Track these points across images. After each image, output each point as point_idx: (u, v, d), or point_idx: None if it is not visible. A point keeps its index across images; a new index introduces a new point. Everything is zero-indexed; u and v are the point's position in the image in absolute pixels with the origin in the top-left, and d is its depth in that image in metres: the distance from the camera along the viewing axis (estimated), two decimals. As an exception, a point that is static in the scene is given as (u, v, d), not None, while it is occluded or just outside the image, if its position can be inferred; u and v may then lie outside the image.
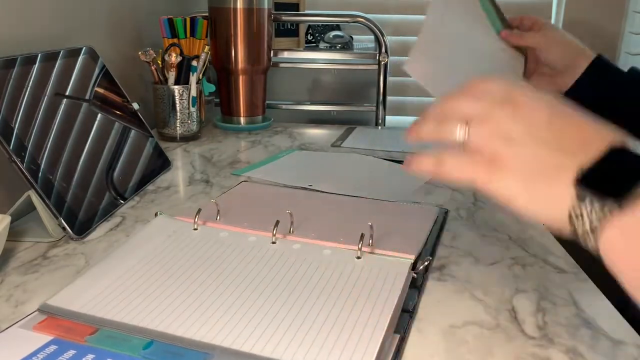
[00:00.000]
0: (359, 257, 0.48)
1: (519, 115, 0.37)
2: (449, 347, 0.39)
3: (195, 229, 0.53)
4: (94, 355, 0.36)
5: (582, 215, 0.33)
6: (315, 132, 1.03)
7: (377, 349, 0.36)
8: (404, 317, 0.41)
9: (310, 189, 0.68)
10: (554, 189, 0.34)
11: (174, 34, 0.95)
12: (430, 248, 0.53)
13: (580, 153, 0.34)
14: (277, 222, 0.51)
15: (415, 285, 0.46)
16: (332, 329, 0.38)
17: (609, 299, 0.45)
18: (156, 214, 0.57)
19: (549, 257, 0.53)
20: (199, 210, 0.54)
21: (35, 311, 0.40)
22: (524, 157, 0.36)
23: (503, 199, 0.37)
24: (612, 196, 0.31)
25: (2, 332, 0.38)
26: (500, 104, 0.38)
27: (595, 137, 0.34)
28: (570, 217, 0.33)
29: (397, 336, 0.39)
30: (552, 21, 1.32)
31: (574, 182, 0.33)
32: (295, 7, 1.16)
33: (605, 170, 0.33)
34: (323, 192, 0.68)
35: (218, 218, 0.56)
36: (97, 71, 0.70)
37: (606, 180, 0.32)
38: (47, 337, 0.37)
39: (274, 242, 0.51)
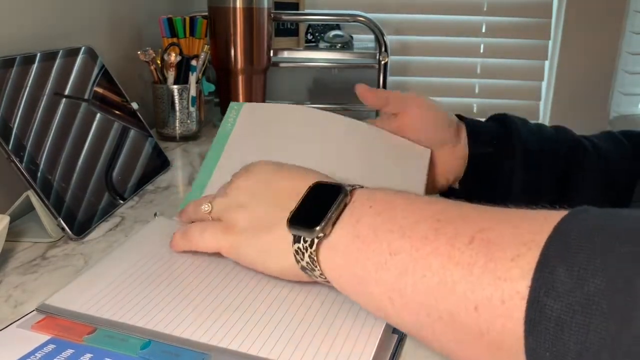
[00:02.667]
0: None
1: (246, 187, 0.44)
2: (449, 348, 0.39)
3: None
4: (91, 355, 0.36)
5: (300, 250, 0.38)
6: (315, 132, 1.03)
7: (375, 349, 0.36)
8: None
9: None
10: (274, 236, 0.40)
11: (173, 33, 0.94)
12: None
13: (291, 203, 0.39)
14: None
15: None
16: (329, 329, 0.38)
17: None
18: (155, 215, 0.57)
19: (548, 257, 0.52)
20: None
21: (33, 311, 0.40)
22: (250, 217, 0.42)
23: (242, 257, 0.43)
24: (314, 226, 0.37)
25: (1, 330, 0.38)
26: (237, 177, 0.46)
27: (301, 186, 0.41)
28: (294, 256, 0.39)
29: (395, 336, 0.39)
30: (553, 21, 1.32)
31: (286, 225, 0.38)
32: (295, 6, 1.16)
33: (307, 207, 0.39)
34: None
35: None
36: (96, 71, 0.70)
37: (308, 217, 0.38)
38: (45, 337, 0.37)
39: None
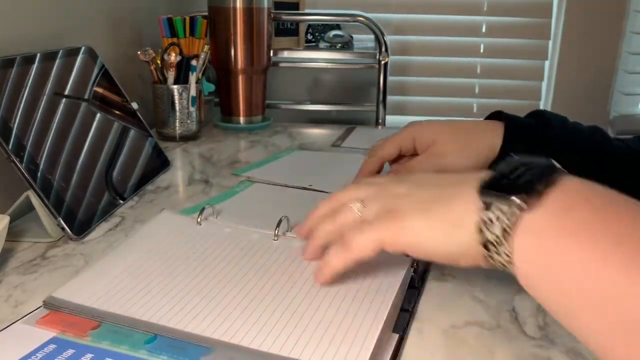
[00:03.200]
0: None
1: (402, 181, 0.41)
2: (449, 348, 0.39)
3: (199, 224, 0.54)
4: (92, 355, 0.36)
5: (491, 221, 0.32)
6: (315, 132, 1.03)
7: (373, 345, 0.36)
8: (404, 317, 0.41)
9: (311, 189, 0.68)
10: (456, 207, 0.35)
11: (173, 33, 0.94)
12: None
13: (471, 179, 0.35)
14: (280, 221, 0.52)
15: (414, 286, 0.46)
16: (329, 324, 0.39)
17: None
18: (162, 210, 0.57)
19: (549, 257, 0.52)
20: (203, 208, 0.55)
21: (40, 307, 0.41)
22: (419, 197, 0.38)
23: (413, 244, 0.37)
24: (517, 195, 0.31)
25: (5, 328, 0.39)
26: (387, 181, 0.42)
27: (475, 174, 0.36)
28: (478, 228, 0.33)
29: (396, 335, 0.39)
30: (553, 21, 1.32)
31: (477, 190, 0.33)
32: (295, 6, 1.16)
33: (504, 178, 0.33)
34: (324, 192, 0.67)
35: (220, 217, 0.56)
36: (96, 71, 0.70)
37: (506, 187, 0.32)
38: (46, 337, 0.37)
39: (275, 239, 0.51)
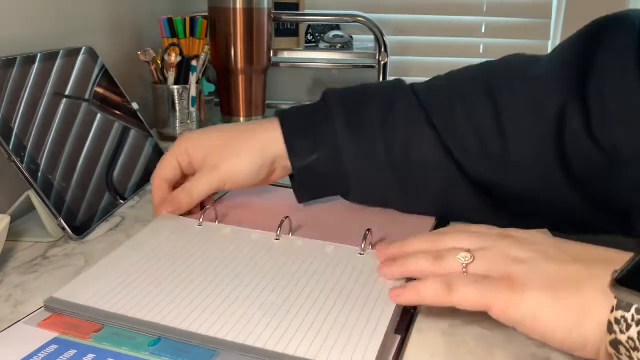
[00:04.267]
0: (361, 254, 0.48)
1: (521, 243, 0.36)
2: (449, 347, 0.39)
3: (200, 226, 0.54)
4: (94, 355, 0.36)
5: (624, 321, 0.29)
6: (315, 132, 1.03)
7: (378, 348, 0.36)
8: (406, 318, 0.41)
9: None
10: (588, 296, 0.32)
11: (173, 33, 0.94)
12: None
13: (603, 264, 0.32)
14: (282, 221, 0.52)
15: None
16: (334, 325, 0.38)
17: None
18: None
19: (549, 257, 0.52)
20: (205, 209, 0.55)
21: (42, 307, 0.41)
22: (544, 270, 0.34)
23: (528, 320, 0.34)
24: None
25: (6, 329, 0.39)
26: (499, 236, 0.38)
27: (608, 253, 0.33)
28: (609, 325, 0.30)
29: (398, 337, 0.39)
30: (552, 21, 1.32)
31: (611, 284, 0.30)
32: (295, 6, 1.16)
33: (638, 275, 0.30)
34: None
35: (222, 217, 0.56)
36: (96, 71, 0.70)
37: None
38: (48, 337, 0.37)
39: (277, 239, 0.51)
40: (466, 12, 1.32)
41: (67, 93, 0.63)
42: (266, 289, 0.43)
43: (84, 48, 0.69)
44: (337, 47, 1.18)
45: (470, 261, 0.37)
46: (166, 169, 0.57)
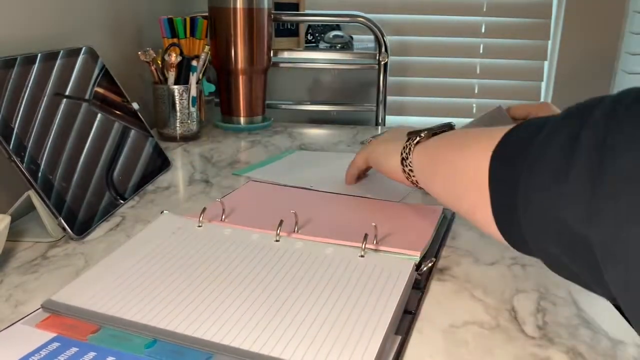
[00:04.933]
0: (362, 256, 0.48)
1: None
2: (449, 347, 0.39)
3: (200, 226, 0.53)
4: (95, 353, 0.36)
5: (406, 144, 0.54)
6: (315, 132, 1.03)
7: (377, 349, 0.36)
8: (406, 319, 0.41)
9: (313, 190, 0.68)
10: (395, 142, 0.57)
11: (174, 34, 0.94)
12: (435, 249, 0.53)
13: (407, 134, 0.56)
14: (282, 221, 0.52)
15: (419, 287, 0.46)
16: (332, 327, 0.38)
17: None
18: (162, 212, 0.57)
19: (549, 257, 0.53)
20: (204, 209, 0.55)
21: (39, 308, 0.41)
22: (377, 141, 0.64)
23: (371, 159, 0.64)
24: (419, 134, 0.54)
25: (5, 329, 0.39)
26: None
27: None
28: (401, 150, 0.55)
29: (399, 337, 0.39)
30: (552, 21, 1.32)
31: (406, 135, 0.55)
32: (295, 7, 1.16)
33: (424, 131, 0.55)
34: (326, 192, 0.67)
35: (223, 218, 0.56)
36: (96, 71, 0.70)
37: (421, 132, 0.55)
38: (50, 335, 0.37)
39: (277, 240, 0.51)
40: (466, 12, 1.32)
41: (67, 93, 0.63)
42: (264, 291, 0.43)
43: (84, 48, 0.69)
44: (337, 47, 1.18)
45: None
46: (516, 110, 0.80)
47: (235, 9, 0.95)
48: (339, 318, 0.39)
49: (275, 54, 1.08)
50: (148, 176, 0.71)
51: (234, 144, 0.92)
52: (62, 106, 0.61)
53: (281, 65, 1.13)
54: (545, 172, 0.33)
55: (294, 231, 0.53)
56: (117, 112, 0.71)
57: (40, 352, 0.36)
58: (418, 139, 0.53)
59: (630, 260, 0.27)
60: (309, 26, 1.22)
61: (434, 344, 0.39)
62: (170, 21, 0.94)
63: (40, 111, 0.57)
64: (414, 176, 0.54)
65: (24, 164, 0.52)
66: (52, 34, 0.71)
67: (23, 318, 0.40)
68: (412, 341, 0.39)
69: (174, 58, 0.87)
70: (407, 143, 0.54)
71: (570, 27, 1.30)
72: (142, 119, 0.75)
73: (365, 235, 0.49)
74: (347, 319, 0.39)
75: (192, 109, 0.90)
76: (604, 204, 0.28)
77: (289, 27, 1.17)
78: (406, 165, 0.54)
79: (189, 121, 0.91)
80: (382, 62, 1.07)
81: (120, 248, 0.49)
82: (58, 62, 0.63)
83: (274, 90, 1.14)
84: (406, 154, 0.54)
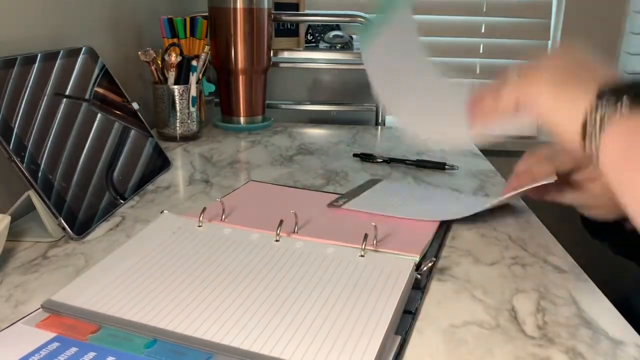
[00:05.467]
0: (362, 256, 0.48)
1: (540, 61, 0.45)
2: (449, 347, 0.39)
3: (200, 226, 0.53)
4: (95, 353, 0.36)
5: (596, 108, 0.38)
6: (315, 132, 1.03)
7: (377, 349, 0.36)
8: (406, 319, 0.41)
9: (312, 190, 0.68)
10: (577, 90, 0.40)
11: (173, 33, 0.95)
12: (435, 249, 0.53)
13: (600, 78, 0.40)
14: (282, 221, 0.52)
15: (419, 287, 0.46)
16: (332, 327, 0.38)
17: (609, 299, 0.45)
18: (162, 212, 0.57)
19: (549, 257, 0.53)
20: (204, 209, 0.55)
21: (39, 308, 0.41)
22: (552, 69, 0.43)
23: (533, 105, 0.43)
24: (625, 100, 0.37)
25: (5, 328, 0.39)
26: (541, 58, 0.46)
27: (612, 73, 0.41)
28: (585, 114, 0.38)
29: (399, 337, 0.39)
30: (552, 21, 1.32)
31: (597, 86, 0.39)
32: (295, 7, 1.16)
33: (626, 88, 0.39)
34: (326, 192, 0.67)
35: (223, 218, 0.56)
36: (96, 71, 0.70)
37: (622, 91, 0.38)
38: (50, 335, 0.37)
39: (277, 240, 0.51)
40: (466, 12, 1.32)
41: (67, 93, 0.63)
42: (264, 291, 0.43)
43: (84, 48, 0.69)
44: (337, 47, 1.18)
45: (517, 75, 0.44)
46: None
47: (235, 9, 0.95)
48: (339, 318, 0.39)
49: (275, 54, 1.08)
50: (148, 176, 0.71)
51: (234, 144, 0.92)
52: (62, 106, 0.61)
53: (281, 65, 1.13)
54: None
55: (294, 231, 0.53)
56: (117, 112, 0.71)
57: (40, 352, 0.36)
58: (617, 108, 0.37)
59: None
60: (309, 26, 1.22)
61: (434, 344, 0.39)
62: (170, 21, 0.94)
63: (40, 111, 0.57)
64: (598, 155, 0.38)
65: (24, 164, 0.52)
66: (52, 34, 0.71)
67: (23, 318, 0.40)
68: (412, 341, 0.39)
69: (174, 58, 0.87)
70: (598, 110, 0.38)
71: (570, 27, 1.30)
72: (142, 119, 0.75)
73: (365, 235, 0.49)
74: (347, 318, 0.39)
75: (192, 109, 0.90)
76: None
77: (289, 27, 1.17)
78: (591, 140, 0.39)
79: (189, 121, 0.91)
80: (382, 62, 1.07)
81: (120, 248, 0.49)
82: (58, 62, 0.63)
83: (274, 90, 1.14)
84: (593, 126, 0.38)
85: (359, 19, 1.06)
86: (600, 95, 0.38)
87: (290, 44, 1.17)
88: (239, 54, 0.97)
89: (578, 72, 0.43)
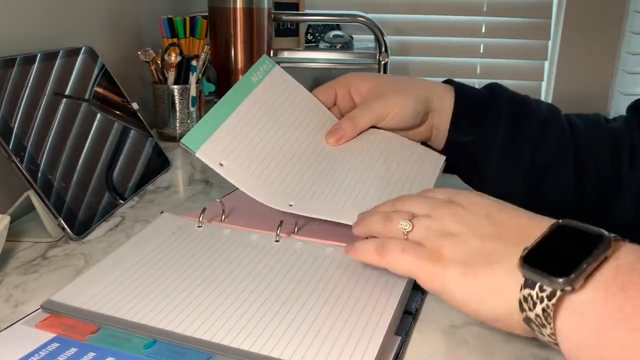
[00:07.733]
0: None
1: (459, 215, 0.38)
2: (449, 348, 0.39)
3: (200, 227, 0.53)
4: (95, 354, 0.36)
5: (532, 299, 0.31)
6: (315, 132, 1.03)
7: (377, 349, 0.36)
8: (406, 319, 0.41)
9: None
10: (497, 275, 0.34)
11: (173, 33, 0.94)
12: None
13: (521, 240, 0.34)
14: (281, 222, 0.51)
15: (419, 287, 0.45)
16: (332, 328, 0.38)
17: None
18: (161, 212, 0.57)
19: (549, 257, 0.53)
20: (204, 209, 0.55)
21: (39, 309, 0.40)
22: (464, 248, 0.36)
23: (446, 293, 0.37)
24: (560, 276, 0.30)
25: (5, 329, 0.39)
26: (444, 203, 0.40)
27: (533, 225, 0.35)
28: (520, 303, 0.32)
29: (398, 338, 0.39)
30: (552, 21, 1.32)
31: (518, 263, 0.32)
32: (295, 6, 1.16)
33: (549, 250, 0.32)
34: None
35: (223, 218, 0.56)
36: (96, 71, 0.70)
37: (551, 261, 0.31)
38: (49, 335, 0.37)
39: (277, 241, 0.51)
40: (466, 12, 1.32)
41: (67, 93, 0.63)
42: (264, 291, 0.43)
43: (83, 48, 0.69)
44: (337, 47, 1.18)
45: (410, 229, 0.39)
46: (320, 94, 0.64)
47: (235, 8, 0.95)
48: (339, 318, 0.39)
49: (275, 54, 1.07)
50: (148, 176, 0.71)
51: (234, 144, 0.92)
52: (61, 106, 0.61)
53: (281, 65, 1.12)
54: None
55: (294, 232, 0.53)
56: (117, 112, 0.71)
57: (40, 353, 0.36)
58: (559, 292, 0.30)
59: None
60: (309, 26, 1.22)
61: (434, 344, 0.39)
62: (170, 21, 0.94)
63: (40, 111, 0.57)
64: (556, 342, 0.32)
65: (24, 164, 0.52)
66: (51, 34, 0.71)
67: (23, 318, 0.40)
68: (412, 341, 0.39)
69: (173, 58, 0.87)
70: (534, 294, 0.31)
71: (571, 27, 1.30)
72: (142, 119, 0.75)
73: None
74: (347, 319, 0.39)
75: (192, 109, 0.90)
76: None
77: (289, 27, 1.17)
78: (542, 334, 0.32)
79: (188, 121, 0.91)
80: (382, 62, 1.07)
81: (120, 248, 0.49)
82: (58, 62, 0.63)
83: (274, 90, 1.13)
84: (538, 316, 0.31)
85: (359, 18, 1.06)
86: (527, 279, 0.32)
87: (290, 43, 1.17)
88: (239, 54, 0.97)
89: (492, 246, 0.35)
